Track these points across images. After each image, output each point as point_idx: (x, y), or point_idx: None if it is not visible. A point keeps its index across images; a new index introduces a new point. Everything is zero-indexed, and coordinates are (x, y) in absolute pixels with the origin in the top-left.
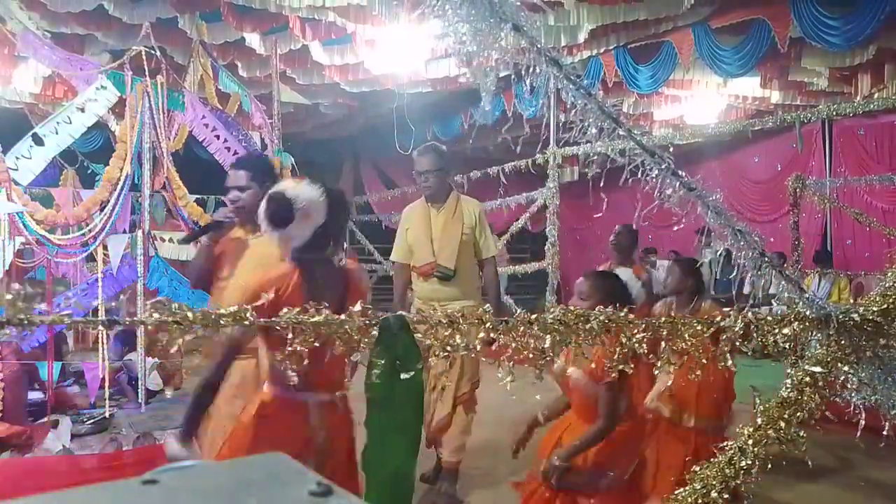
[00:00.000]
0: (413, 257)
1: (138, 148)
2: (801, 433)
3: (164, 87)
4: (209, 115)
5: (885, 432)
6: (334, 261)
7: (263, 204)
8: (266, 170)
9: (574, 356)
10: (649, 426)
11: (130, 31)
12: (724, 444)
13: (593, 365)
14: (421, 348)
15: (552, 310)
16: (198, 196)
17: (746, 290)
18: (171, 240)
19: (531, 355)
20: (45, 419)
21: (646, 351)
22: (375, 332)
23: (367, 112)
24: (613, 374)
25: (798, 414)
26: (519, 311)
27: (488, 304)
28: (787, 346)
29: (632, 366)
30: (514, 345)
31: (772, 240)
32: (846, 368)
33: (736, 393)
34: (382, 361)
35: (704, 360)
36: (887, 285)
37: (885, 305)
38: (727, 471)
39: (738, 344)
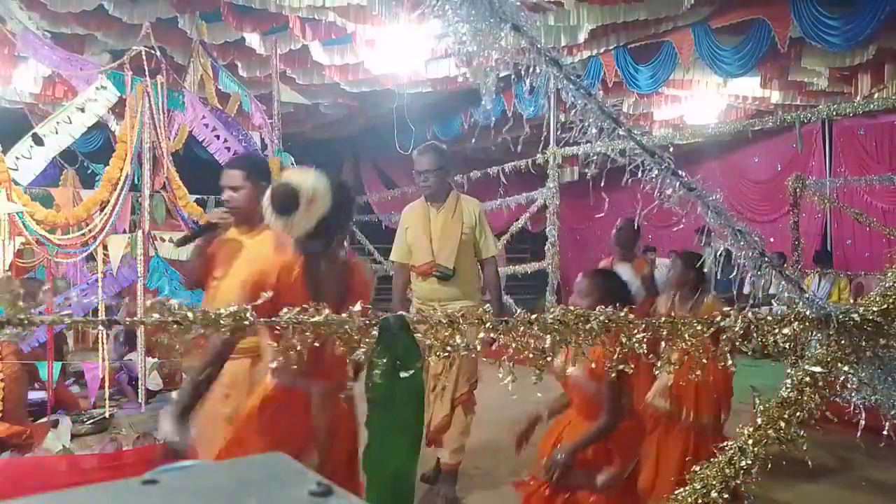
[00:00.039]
0: (412, 257)
1: (138, 148)
2: (802, 433)
3: (164, 87)
4: (209, 115)
5: (885, 432)
6: (339, 252)
7: (268, 192)
8: (261, 169)
9: (574, 356)
10: (649, 423)
11: (130, 31)
12: (724, 443)
13: (593, 366)
14: (421, 348)
15: (552, 310)
16: (198, 196)
17: (746, 290)
18: (170, 240)
19: (531, 355)
20: (45, 419)
21: (646, 351)
22: (375, 332)
23: (367, 112)
24: (614, 374)
25: (798, 414)
26: (519, 311)
27: (488, 304)
28: (787, 346)
29: (632, 366)
30: (514, 345)
31: (772, 240)
32: (846, 368)
33: (734, 390)
34: (383, 361)
35: (704, 360)
36: (887, 285)
37: (885, 305)
38: (727, 471)
39: (738, 344)
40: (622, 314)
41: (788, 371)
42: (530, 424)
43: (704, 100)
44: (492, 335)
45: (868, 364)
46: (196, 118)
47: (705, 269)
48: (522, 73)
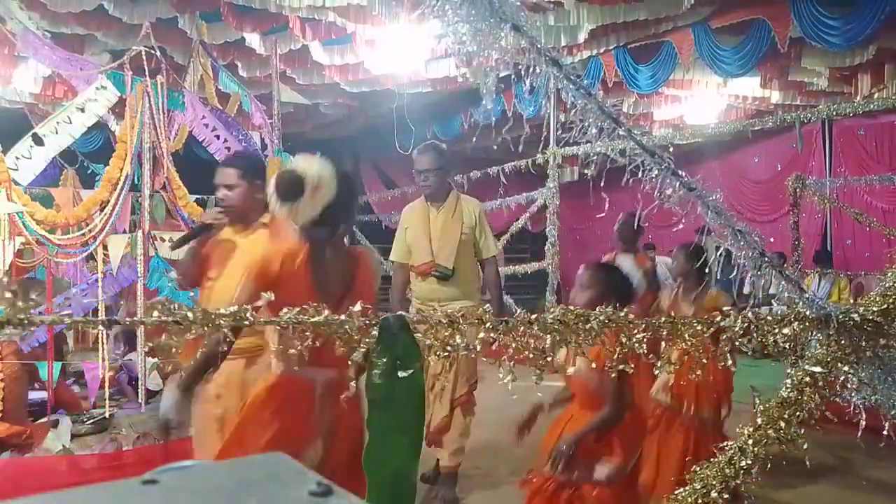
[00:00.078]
0: (412, 257)
1: (138, 148)
2: (802, 433)
3: (164, 87)
4: (209, 115)
5: (885, 432)
6: (344, 241)
7: (273, 180)
8: (257, 168)
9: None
10: (651, 417)
11: (130, 31)
12: (724, 443)
13: (593, 365)
14: (421, 348)
15: (552, 310)
16: (198, 196)
17: (746, 290)
18: (170, 240)
19: (531, 355)
20: (45, 419)
21: (646, 351)
22: (375, 332)
23: (367, 112)
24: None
25: (798, 414)
26: (519, 311)
27: (488, 304)
28: (787, 346)
29: (632, 366)
30: (514, 345)
31: (772, 240)
32: (846, 368)
33: (734, 389)
34: (383, 361)
35: (705, 360)
36: (887, 285)
37: (885, 305)
38: (727, 471)
39: (738, 344)
40: (622, 314)
41: (788, 371)
42: (532, 413)
43: (704, 100)
44: (492, 335)
45: (868, 364)
46: (196, 118)
47: (709, 260)
48: (522, 73)
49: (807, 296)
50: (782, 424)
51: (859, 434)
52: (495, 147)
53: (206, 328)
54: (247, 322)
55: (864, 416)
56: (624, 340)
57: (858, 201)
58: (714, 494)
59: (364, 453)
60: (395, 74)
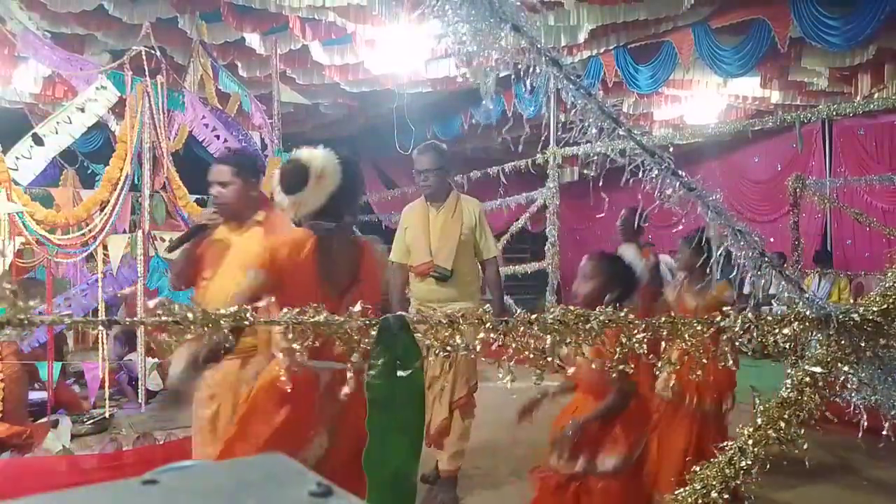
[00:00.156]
0: (410, 257)
1: (138, 148)
2: (802, 433)
3: (164, 87)
4: (209, 115)
5: (884, 432)
6: (349, 232)
7: (277, 172)
8: (251, 165)
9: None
10: (655, 409)
11: (130, 31)
12: (725, 444)
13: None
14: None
15: (552, 310)
16: (198, 196)
17: (746, 290)
18: (170, 240)
19: (531, 355)
20: (45, 419)
21: (646, 351)
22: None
23: (367, 112)
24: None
25: (798, 414)
26: (519, 311)
27: (488, 305)
28: (787, 347)
29: (632, 366)
30: (514, 345)
31: (772, 240)
32: (846, 368)
33: (737, 381)
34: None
35: (705, 360)
36: (887, 285)
37: (885, 305)
38: (727, 471)
39: (737, 344)
40: (622, 314)
41: (788, 371)
42: (536, 399)
43: (704, 100)
44: (492, 336)
45: (868, 364)
46: (196, 118)
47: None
48: (522, 73)
49: (807, 296)
50: (782, 425)
51: (860, 434)
52: (493, 147)
53: (205, 328)
54: (247, 322)
55: (865, 416)
56: (624, 341)
57: (858, 201)
58: (714, 495)
59: (364, 453)
60: (395, 74)
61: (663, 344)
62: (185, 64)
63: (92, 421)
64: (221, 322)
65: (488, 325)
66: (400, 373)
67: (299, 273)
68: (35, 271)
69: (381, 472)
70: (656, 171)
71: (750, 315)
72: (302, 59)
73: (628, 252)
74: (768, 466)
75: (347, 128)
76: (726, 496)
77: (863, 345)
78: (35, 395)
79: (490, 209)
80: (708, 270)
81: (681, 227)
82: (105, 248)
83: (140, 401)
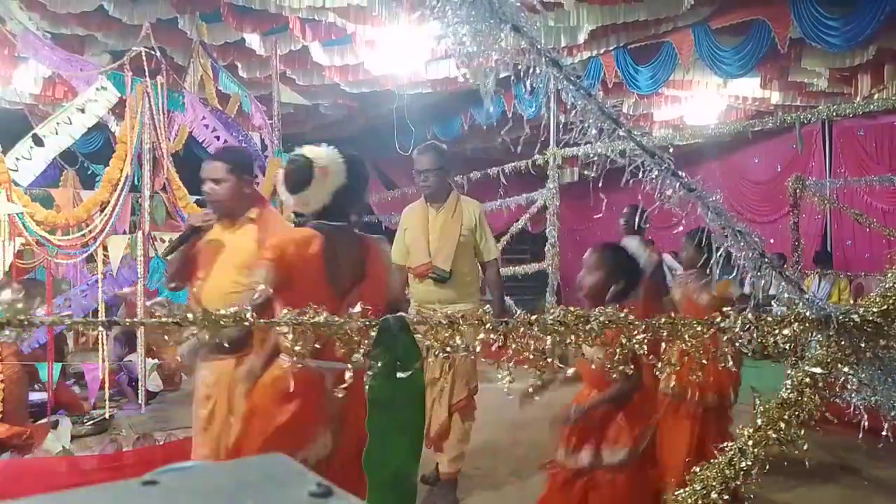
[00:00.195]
0: (409, 258)
1: (138, 149)
2: (802, 434)
3: (164, 88)
4: (209, 116)
5: (884, 433)
6: (355, 230)
7: (281, 169)
8: (245, 162)
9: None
10: (660, 404)
11: (130, 31)
12: (725, 444)
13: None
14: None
15: (552, 311)
16: (198, 197)
17: (746, 290)
18: (170, 241)
19: (531, 356)
20: (45, 420)
21: (646, 352)
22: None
23: (367, 113)
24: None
25: (798, 415)
26: (519, 311)
27: (488, 306)
28: (787, 347)
29: (632, 367)
30: (514, 346)
31: (772, 241)
32: (846, 369)
33: (741, 378)
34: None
35: (704, 361)
36: (887, 286)
37: (885, 306)
38: (727, 472)
39: (737, 344)
40: (622, 315)
41: (788, 372)
42: (541, 385)
43: (704, 100)
44: (492, 336)
45: (868, 365)
46: (196, 119)
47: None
48: (522, 73)
49: (807, 297)
50: (782, 425)
51: (860, 435)
52: (494, 147)
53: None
54: (247, 322)
55: (865, 417)
56: (624, 341)
57: (858, 202)
58: (714, 495)
59: (364, 454)
60: (395, 75)
61: (663, 345)
62: (185, 65)
63: (92, 422)
64: (221, 322)
65: (488, 325)
66: (400, 374)
67: (307, 271)
68: (35, 272)
69: (381, 472)
70: (656, 172)
71: (750, 316)
72: (302, 60)
73: (632, 243)
74: (768, 467)
75: (347, 128)
76: (726, 497)
77: (863, 346)
78: (35, 396)
79: (490, 210)
80: (708, 271)
81: (681, 228)
82: (105, 248)
83: (140, 402)
